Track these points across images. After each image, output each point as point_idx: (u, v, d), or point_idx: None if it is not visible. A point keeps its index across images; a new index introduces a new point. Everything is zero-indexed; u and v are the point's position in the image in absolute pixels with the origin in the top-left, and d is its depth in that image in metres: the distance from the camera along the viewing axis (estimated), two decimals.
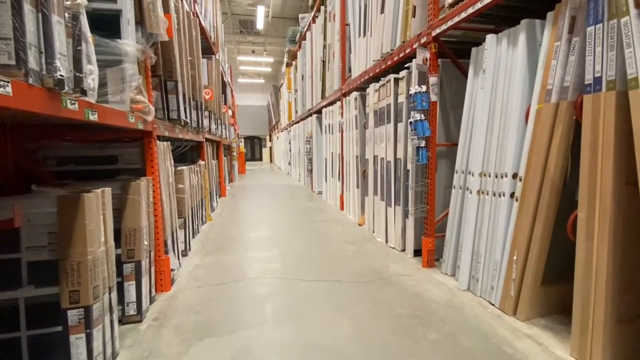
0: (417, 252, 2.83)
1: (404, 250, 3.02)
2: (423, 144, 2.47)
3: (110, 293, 1.53)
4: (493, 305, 1.98)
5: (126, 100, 1.83)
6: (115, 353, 1.56)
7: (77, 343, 1.34)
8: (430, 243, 2.60)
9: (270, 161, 20.14)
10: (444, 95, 2.70)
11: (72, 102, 1.21)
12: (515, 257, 1.82)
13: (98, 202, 1.45)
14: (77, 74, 1.28)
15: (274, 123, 16.61)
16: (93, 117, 1.35)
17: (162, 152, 2.38)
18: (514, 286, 1.82)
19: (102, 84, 1.75)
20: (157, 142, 2.26)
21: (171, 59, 2.53)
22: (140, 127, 1.91)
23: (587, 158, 1.42)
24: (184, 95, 2.92)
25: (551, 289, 1.82)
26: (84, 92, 1.32)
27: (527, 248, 1.76)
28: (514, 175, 1.86)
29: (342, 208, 4.95)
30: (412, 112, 2.51)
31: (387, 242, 3.29)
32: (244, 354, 1.56)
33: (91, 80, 1.39)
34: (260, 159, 22.14)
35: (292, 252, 3.06)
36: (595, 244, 1.39)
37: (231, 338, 1.70)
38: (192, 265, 2.76)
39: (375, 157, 3.51)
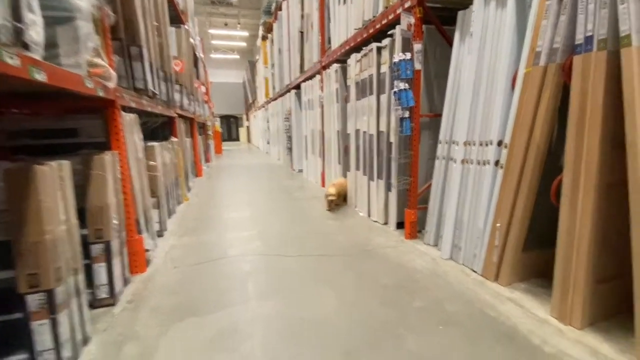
0: (400, 225, 2.84)
1: (386, 223, 3.02)
2: (407, 114, 2.40)
3: (76, 275, 1.39)
4: (475, 272, 2.01)
5: (82, 64, 1.62)
6: (87, 338, 1.45)
7: (41, 330, 1.22)
8: (413, 215, 2.60)
9: (248, 141, 19.64)
10: (428, 64, 2.62)
11: (11, 55, 1.02)
12: (498, 225, 1.83)
13: (54, 176, 1.29)
14: (16, 23, 1.08)
15: (250, 101, 16.04)
16: (40, 77, 1.17)
17: (129, 125, 2.18)
18: (497, 253, 1.85)
19: (53, 44, 1.52)
20: (123, 113, 2.06)
21: (133, 20, 2.27)
22: (101, 94, 1.71)
23: (575, 121, 1.40)
24: (150, 64, 2.67)
25: (531, 255, 1.87)
26: (25, 46, 1.13)
27: (511, 215, 1.77)
28: (499, 143, 1.85)
29: (323, 185, 4.89)
30: (395, 82, 2.42)
31: (369, 216, 3.28)
32: (228, 332, 1.50)
33: (34, 33, 1.19)
34: (238, 139, 21.51)
35: (273, 230, 2.98)
36: (579, 208, 1.40)
37: (214, 317, 1.63)
38: (169, 245, 2.63)
39: (357, 131, 3.44)
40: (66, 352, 1.27)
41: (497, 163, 1.87)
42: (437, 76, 2.64)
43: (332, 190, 3.49)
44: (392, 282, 1.95)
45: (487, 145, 1.91)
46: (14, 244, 1.18)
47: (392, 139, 2.71)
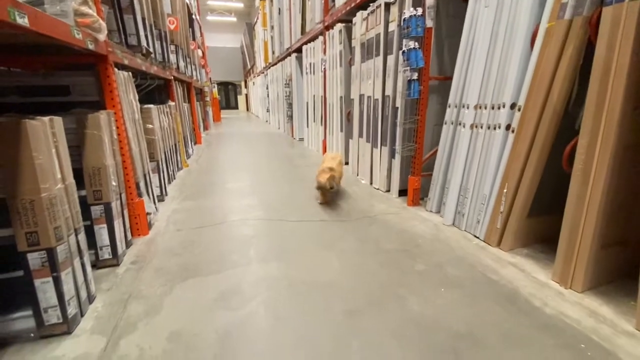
0: (402, 192, 2.82)
1: (388, 190, 2.99)
2: (415, 76, 2.29)
3: (77, 235, 1.37)
4: (478, 238, 2.01)
5: (68, 12, 1.50)
6: (92, 297, 1.46)
7: (44, 287, 1.22)
8: (416, 182, 2.57)
9: (247, 109, 19.24)
10: (440, 22, 2.46)
11: None
12: (505, 190, 1.80)
13: (46, 131, 1.23)
14: None
15: (249, 67, 15.48)
16: (22, 21, 1.07)
17: (123, 83, 2.07)
18: (501, 219, 1.83)
19: None
20: (116, 70, 1.95)
21: None
22: (91, 47, 1.60)
23: (598, 79, 1.32)
24: (143, 19, 2.50)
25: (535, 221, 1.85)
26: None
27: (519, 181, 1.73)
28: (513, 106, 1.76)
29: (324, 153, 4.83)
30: (404, 40, 2.28)
31: (371, 183, 3.26)
32: (231, 292, 1.51)
33: None
34: (236, 107, 21.05)
35: (275, 196, 2.96)
36: (593, 171, 1.35)
37: (217, 277, 1.64)
38: (170, 209, 2.62)
39: (361, 96, 3.31)
40: (71, 309, 1.28)
41: (508, 127, 1.80)
42: (449, 35, 2.49)
43: (323, 178, 2.51)
44: (394, 246, 1.96)
45: (499, 108, 1.83)
46: (10, 201, 1.15)
47: (398, 103, 2.61)
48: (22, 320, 1.23)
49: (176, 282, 1.59)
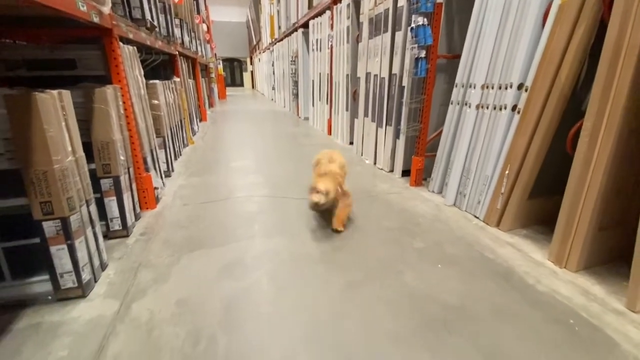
0: (405, 173, 2.83)
1: (392, 171, 3.01)
2: (423, 54, 2.25)
3: (88, 206, 1.43)
4: (478, 218, 2.04)
5: None
6: (104, 264, 1.54)
7: (60, 254, 1.29)
8: (420, 162, 2.57)
9: (253, 87, 19.00)
10: None
11: None
12: (507, 172, 1.81)
13: (55, 104, 1.26)
14: None
15: (254, 43, 15.15)
16: None
17: (128, 58, 2.07)
18: (502, 200, 1.85)
19: None
20: (121, 44, 1.94)
21: None
22: (96, 19, 1.60)
23: (608, 60, 1.29)
24: None
25: (535, 202, 1.87)
26: None
27: (521, 162, 1.74)
28: (520, 86, 1.74)
29: (329, 133, 4.81)
30: (413, 16, 2.22)
31: (375, 163, 3.27)
32: (235, 263, 1.58)
33: None
34: (242, 84, 20.78)
35: (279, 174, 3.00)
36: (596, 153, 1.35)
37: (222, 250, 1.70)
38: (177, 185, 2.68)
39: (367, 74, 3.26)
40: (85, 275, 1.36)
41: (514, 108, 1.79)
42: (460, 11, 2.41)
43: (322, 186, 1.75)
44: (395, 225, 2.00)
45: (506, 88, 1.80)
46: (24, 172, 1.20)
47: (405, 82, 2.58)
48: (40, 284, 1.31)
49: (183, 253, 1.66)
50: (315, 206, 1.74)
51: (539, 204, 1.88)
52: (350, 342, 1.12)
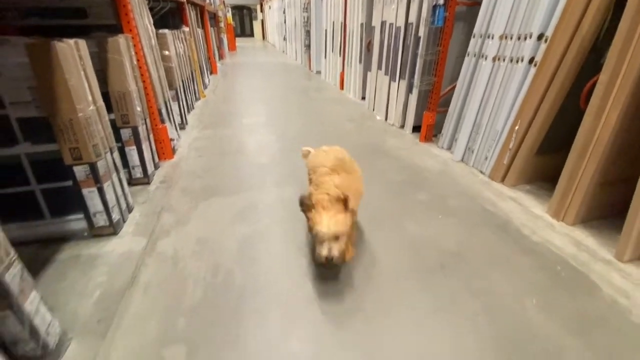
0: (416, 129, 2.82)
1: (403, 126, 3.00)
2: (441, 1, 2.12)
3: (112, 154, 1.54)
4: (483, 174, 2.08)
5: None
6: (130, 207, 1.69)
7: (91, 196, 1.42)
8: (431, 117, 2.55)
9: (263, 38, 18.16)
10: None
11: None
12: (517, 127, 1.80)
13: (74, 54, 1.30)
14: None
15: None
16: None
17: (137, 5, 2.04)
18: (509, 155, 1.87)
19: None
20: None
21: None
22: None
23: (632, 12, 1.22)
24: None
25: (542, 159, 1.88)
26: None
27: (533, 117, 1.72)
28: (540, 37, 1.66)
29: (341, 87, 4.71)
30: None
31: (386, 119, 3.25)
32: (249, 210, 1.70)
33: None
34: (252, 34, 19.85)
35: (291, 128, 3.04)
36: (608, 107, 1.33)
37: (236, 197, 1.82)
38: (192, 137, 2.76)
39: (382, 23, 3.10)
40: (115, 215, 1.50)
41: (531, 61, 1.72)
42: None
43: (335, 227, 1.04)
44: (401, 178, 2.06)
45: (525, 39, 1.72)
46: (52, 120, 1.28)
47: (421, 32, 2.46)
48: (76, 222, 1.47)
49: (200, 200, 1.79)
50: (325, 261, 1.04)
51: (545, 161, 1.89)
52: (354, 278, 1.25)
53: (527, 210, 1.71)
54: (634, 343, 1.02)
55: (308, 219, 1.10)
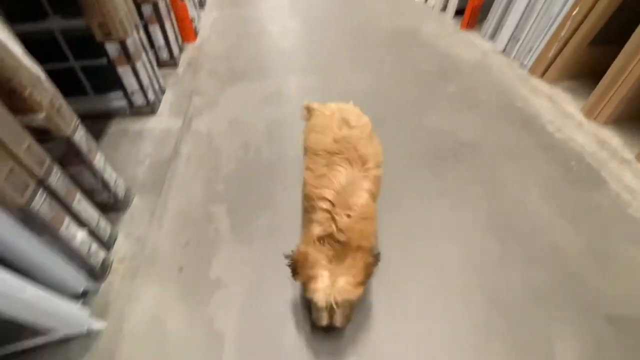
0: (459, 13, 2.49)
1: (444, 9, 2.65)
2: None
3: (138, 32, 1.53)
4: (524, 68, 1.92)
5: None
6: (162, 89, 1.77)
7: (126, 75, 1.49)
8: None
9: None
10: None
11: None
12: (574, 12, 1.57)
13: None
14: None
15: None
16: None
17: None
18: (557, 46, 1.68)
19: None
20: None
21: None
22: None
23: None
24: None
25: (593, 51, 1.68)
26: None
27: (594, 2, 1.47)
28: None
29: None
30: None
31: (426, 1, 2.85)
32: (274, 94, 1.75)
33: None
34: None
35: (315, 11, 2.76)
36: None
37: (261, 83, 1.85)
38: (212, 18, 2.62)
39: None
40: (150, 95, 1.60)
41: None
42: None
43: (323, 302, 0.73)
44: (432, 69, 1.96)
45: None
46: None
47: None
48: (117, 100, 1.59)
49: (227, 84, 1.83)
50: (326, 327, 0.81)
51: (596, 53, 1.70)
52: None
53: (558, 107, 1.64)
54: (622, 230, 1.12)
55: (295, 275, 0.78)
